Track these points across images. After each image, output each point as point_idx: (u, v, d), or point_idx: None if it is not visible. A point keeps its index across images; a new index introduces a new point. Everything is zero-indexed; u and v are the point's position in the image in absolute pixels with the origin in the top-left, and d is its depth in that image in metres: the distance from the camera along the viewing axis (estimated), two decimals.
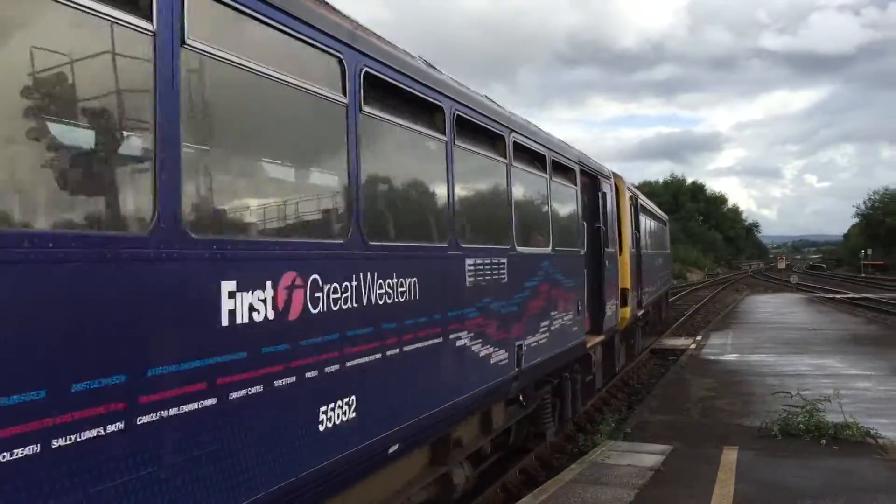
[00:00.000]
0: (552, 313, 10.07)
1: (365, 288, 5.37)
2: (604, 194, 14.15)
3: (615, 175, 16.54)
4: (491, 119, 8.30)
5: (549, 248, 10.18)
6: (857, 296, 45.14)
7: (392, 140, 6.38)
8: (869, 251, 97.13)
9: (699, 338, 24.83)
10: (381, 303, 5.57)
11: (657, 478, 8.92)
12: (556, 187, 10.91)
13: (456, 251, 7.08)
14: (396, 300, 5.81)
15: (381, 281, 5.57)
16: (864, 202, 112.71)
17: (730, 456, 9.82)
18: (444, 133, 7.02)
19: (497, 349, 8.01)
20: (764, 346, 21.72)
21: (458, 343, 7.03)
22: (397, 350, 5.83)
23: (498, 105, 8.90)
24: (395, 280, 5.78)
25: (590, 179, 13.48)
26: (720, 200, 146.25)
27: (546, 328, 9.78)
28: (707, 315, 36.37)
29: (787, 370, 17.13)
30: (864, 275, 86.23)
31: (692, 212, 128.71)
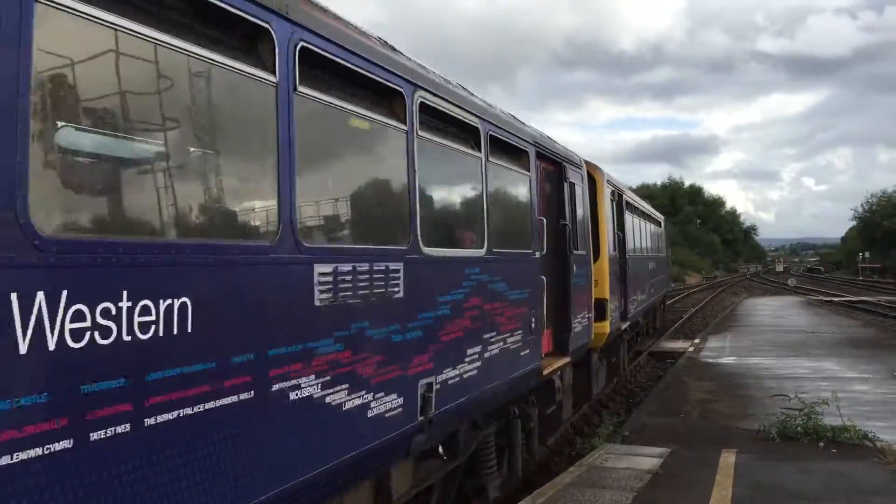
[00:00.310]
0: (487, 336, 7.64)
1: (28, 323, 2.99)
2: (571, 185, 11.58)
3: (590, 164, 14.09)
4: (376, 65, 5.70)
5: (483, 249, 7.70)
6: (854, 299, 45.11)
7: (147, 66, 3.83)
8: (866, 254, 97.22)
9: (697, 340, 24.75)
10: (77, 346, 3.17)
11: (655, 481, 8.87)
12: (497, 171, 8.35)
13: (293, 253, 4.58)
14: (129, 340, 3.41)
15: (82, 307, 3.19)
16: (862, 205, 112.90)
17: (728, 459, 9.76)
18: (272, 71, 4.57)
19: (383, 394, 5.59)
20: (762, 349, 21.60)
21: (296, 395, 4.57)
22: (126, 426, 3.38)
23: (396, 51, 6.28)
24: (123, 304, 3.38)
25: (553, 166, 11.03)
26: (718, 203, 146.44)
27: (476, 356, 7.35)
28: (705, 318, 36.29)
29: (785, 373, 17.01)
30: (861, 278, 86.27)
31: (690, 215, 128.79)
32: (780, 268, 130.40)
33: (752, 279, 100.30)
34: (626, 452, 10.28)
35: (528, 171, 9.50)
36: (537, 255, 9.52)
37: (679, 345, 24.35)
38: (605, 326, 13.66)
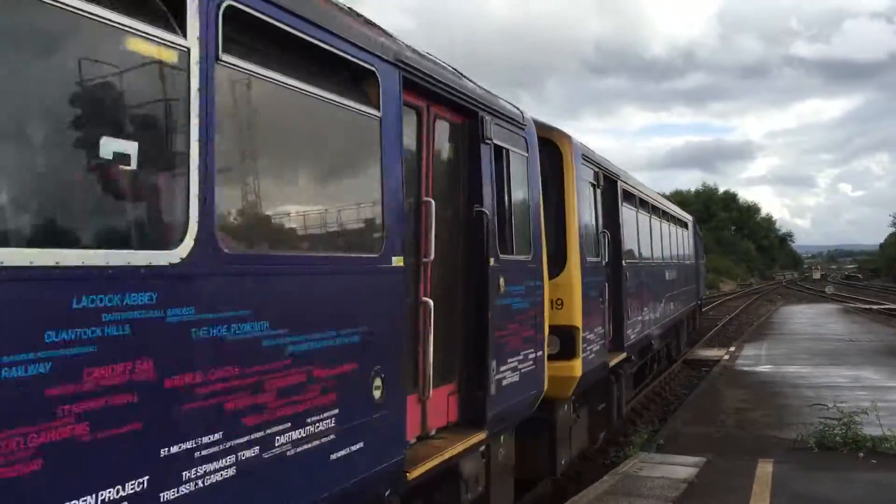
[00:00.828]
0: (180, 448, 3.50)
1: None
2: (502, 152, 7.38)
3: (547, 128, 9.81)
4: None
5: (175, 248, 3.51)
6: (893, 306, 44.27)
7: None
8: None
9: (732, 348, 24.46)
10: None
11: (691, 490, 8.77)
12: (253, 89, 4.18)
13: None
14: None
15: None
16: None
17: (765, 468, 9.62)
18: None
19: None
20: (799, 358, 21.28)
21: None
22: None
23: None
24: None
25: (459, 117, 6.81)
26: (753, 210, 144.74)
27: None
28: (740, 325, 35.86)
29: (823, 382, 16.74)
30: None
31: (725, 221, 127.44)
32: (817, 275, 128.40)
33: (789, 286, 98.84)
34: (660, 461, 10.18)
35: (377, 109, 5.22)
36: (395, 261, 5.32)
37: (714, 353, 24.09)
38: (575, 367, 9.50)
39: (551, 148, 9.79)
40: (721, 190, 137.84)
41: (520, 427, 8.02)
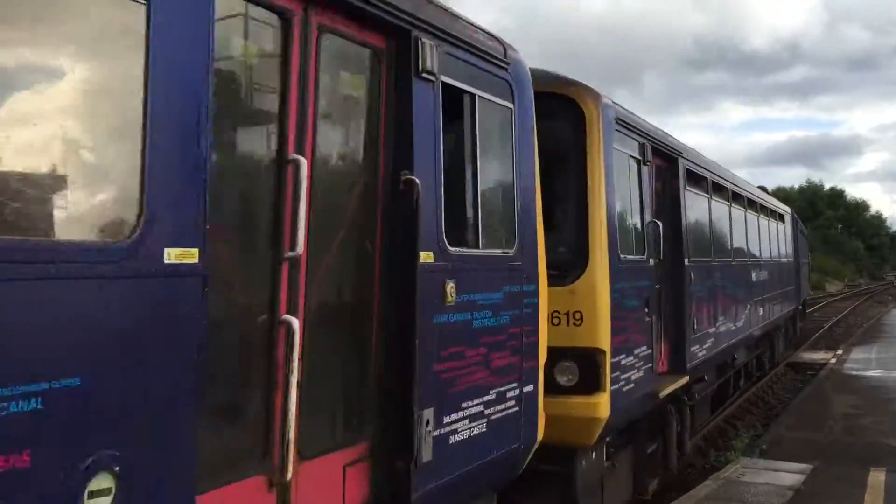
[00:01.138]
0: None
1: None
2: (465, 99, 5.25)
3: (563, 82, 7.62)
4: None
5: None
6: None
7: None
8: None
9: (840, 352, 23.45)
10: None
11: (797, 498, 8.50)
12: None
13: None
14: None
15: None
16: None
17: (877, 477, 9.23)
18: None
19: None
20: None
21: None
22: None
23: None
24: None
25: (378, 37, 4.52)
26: (862, 207, 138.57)
27: None
28: (848, 328, 34.37)
29: None
30: None
31: (831, 220, 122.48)
32: None
33: None
34: (764, 467, 9.91)
35: None
36: (171, 255, 3.03)
37: (820, 356, 23.19)
38: (600, 404, 7.11)
39: (571, 108, 7.44)
40: (826, 187, 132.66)
41: (525, 482, 5.96)
